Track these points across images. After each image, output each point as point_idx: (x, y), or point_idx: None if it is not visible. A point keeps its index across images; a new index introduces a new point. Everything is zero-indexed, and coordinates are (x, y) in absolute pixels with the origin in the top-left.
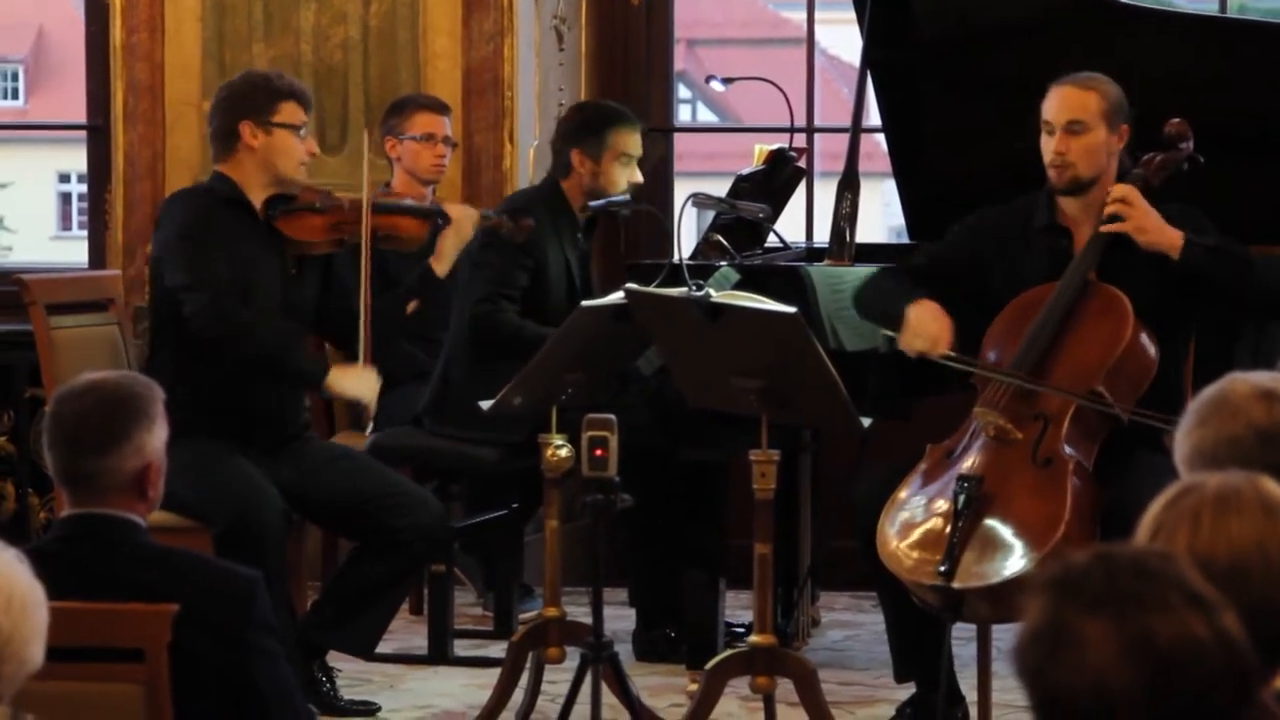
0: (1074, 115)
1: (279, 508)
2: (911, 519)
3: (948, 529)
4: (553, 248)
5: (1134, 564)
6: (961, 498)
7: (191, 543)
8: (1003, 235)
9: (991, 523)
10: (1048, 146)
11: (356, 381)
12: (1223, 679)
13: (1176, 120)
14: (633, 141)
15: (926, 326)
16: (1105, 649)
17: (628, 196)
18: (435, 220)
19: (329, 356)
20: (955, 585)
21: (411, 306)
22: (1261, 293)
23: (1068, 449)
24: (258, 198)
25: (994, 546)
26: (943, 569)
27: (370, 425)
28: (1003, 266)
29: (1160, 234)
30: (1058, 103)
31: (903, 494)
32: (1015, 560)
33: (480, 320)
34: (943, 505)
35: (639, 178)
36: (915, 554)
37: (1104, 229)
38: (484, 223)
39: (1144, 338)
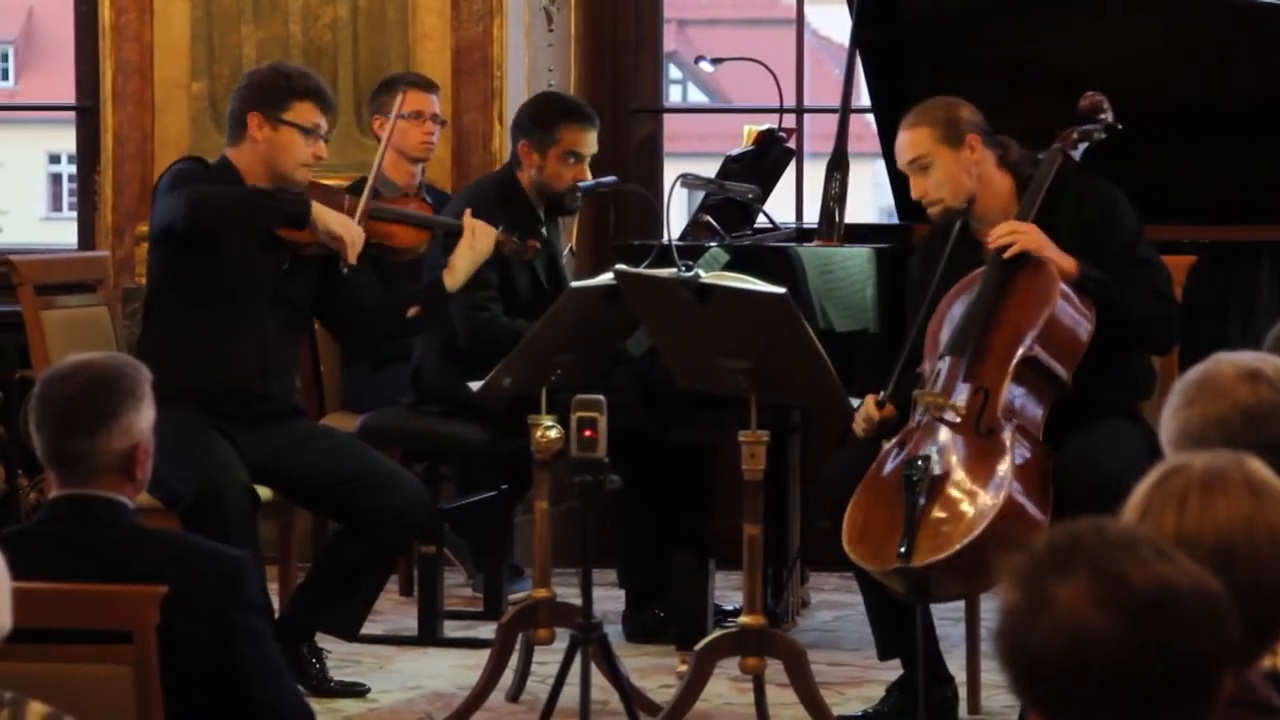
0: (910, 155)
1: (244, 487)
2: (868, 513)
3: (903, 513)
4: None
5: (1095, 530)
6: (912, 478)
7: (163, 524)
8: (930, 255)
9: (943, 497)
10: (912, 191)
11: (342, 219)
12: (1202, 622)
13: (1090, 93)
14: (583, 140)
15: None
16: (1081, 602)
17: (614, 178)
18: (439, 232)
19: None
20: (915, 564)
21: (413, 312)
22: (1129, 337)
23: (1007, 415)
24: None
25: (947, 519)
26: (902, 550)
27: (345, 269)
28: (934, 279)
29: (1057, 256)
30: (897, 150)
31: (861, 491)
32: (968, 526)
33: (479, 331)
34: (895, 492)
35: (587, 176)
36: (875, 544)
37: (1005, 255)
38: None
39: (1072, 300)
